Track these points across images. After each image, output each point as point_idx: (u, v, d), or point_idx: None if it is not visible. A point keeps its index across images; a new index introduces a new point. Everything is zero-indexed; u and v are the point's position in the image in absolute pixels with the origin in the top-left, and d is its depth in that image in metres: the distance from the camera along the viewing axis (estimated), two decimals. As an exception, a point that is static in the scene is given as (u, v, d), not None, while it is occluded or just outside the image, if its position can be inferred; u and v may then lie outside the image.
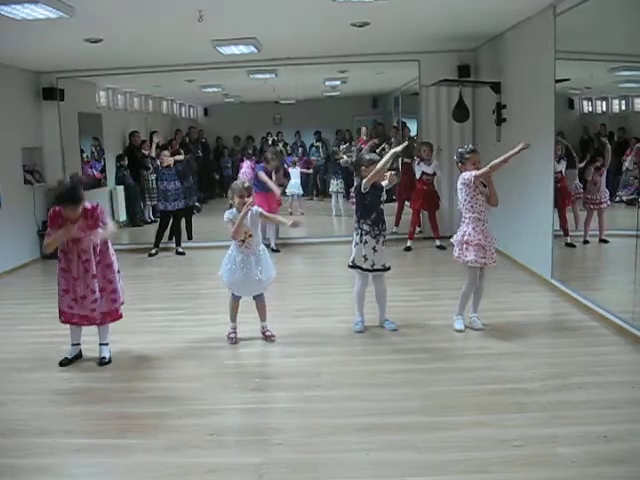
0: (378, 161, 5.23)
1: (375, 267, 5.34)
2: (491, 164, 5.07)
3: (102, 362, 4.92)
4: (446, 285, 6.72)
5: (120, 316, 5.00)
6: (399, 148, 5.26)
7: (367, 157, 5.43)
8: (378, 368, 4.64)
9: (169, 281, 8.05)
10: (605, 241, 6.62)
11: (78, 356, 5.01)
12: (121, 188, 11.87)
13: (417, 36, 8.11)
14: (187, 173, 9.77)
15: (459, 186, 5.24)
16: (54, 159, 9.68)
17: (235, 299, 5.34)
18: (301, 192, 13.16)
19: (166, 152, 9.49)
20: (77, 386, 4.52)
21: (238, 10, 6.14)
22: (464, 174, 5.20)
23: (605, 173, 6.57)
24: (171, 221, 9.52)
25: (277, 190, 8.99)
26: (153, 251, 9.44)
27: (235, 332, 5.33)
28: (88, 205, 4.66)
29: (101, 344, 4.98)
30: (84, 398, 4.29)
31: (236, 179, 6.73)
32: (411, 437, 3.57)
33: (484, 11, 6.63)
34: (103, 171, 11.42)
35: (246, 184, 5.21)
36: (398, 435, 3.60)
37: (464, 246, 5.22)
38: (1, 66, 8.47)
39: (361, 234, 5.33)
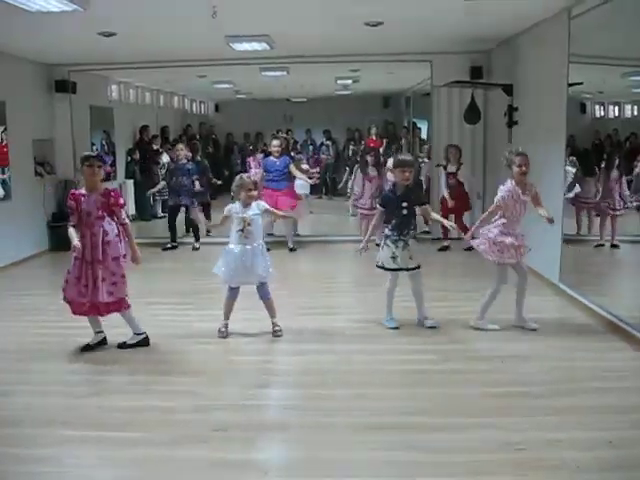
0: (406, 163, 5.34)
1: (401, 267, 5.41)
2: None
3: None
4: (457, 286, 6.76)
5: (119, 309, 4.98)
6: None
7: (399, 157, 5.54)
8: (386, 368, 4.63)
9: (178, 276, 8.06)
10: (616, 246, 6.60)
11: (102, 342, 5.09)
12: (131, 182, 11.89)
13: (430, 37, 8.09)
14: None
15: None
16: (65, 152, 9.69)
17: (230, 298, 5.33)
18: (309, 191, 13.12)
19: (181, 145, 9.53)
20: (83, 378, 4.55)
21: (252, 7, 6.14)
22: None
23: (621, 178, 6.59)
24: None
25: (307, 180, 9.82)
26: (168, 245, 9.48)
27: (226, 328, 5.34)
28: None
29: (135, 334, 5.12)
30: (89, 390, 4.31)
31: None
32: (416, 437, 3.56)
33: (498, 14, 6.59)
34: (113, 165, 11.43)
35: (252, 177, 5.38)
36: (403, 435, 3.59)
37: (495, 246, 5.24)
38: (14, 59, 8.49)
39: (383, 238, 5.51)
